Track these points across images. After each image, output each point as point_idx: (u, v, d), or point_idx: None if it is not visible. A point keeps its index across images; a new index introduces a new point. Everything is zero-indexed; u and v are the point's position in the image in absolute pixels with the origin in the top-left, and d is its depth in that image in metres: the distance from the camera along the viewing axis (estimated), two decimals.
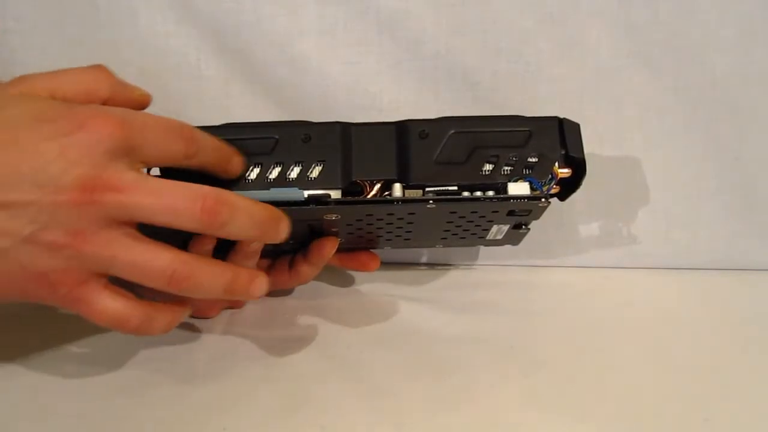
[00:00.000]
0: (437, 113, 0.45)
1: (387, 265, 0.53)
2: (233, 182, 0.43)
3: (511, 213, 0.45)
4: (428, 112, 0.46)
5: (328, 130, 0.44)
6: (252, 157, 0.43)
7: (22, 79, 0.40)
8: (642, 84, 0.53)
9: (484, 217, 0.45)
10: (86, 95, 0.41)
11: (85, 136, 0.36)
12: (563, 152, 0.44)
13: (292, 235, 0.41)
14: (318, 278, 0.51)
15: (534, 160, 0.44)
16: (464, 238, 0.49)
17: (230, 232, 0.38)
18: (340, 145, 0.44)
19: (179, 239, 0.40)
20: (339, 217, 0.44)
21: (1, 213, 0.36)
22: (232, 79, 0.54)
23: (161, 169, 0.42)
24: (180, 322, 0.41)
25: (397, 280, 0.54)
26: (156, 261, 0.37)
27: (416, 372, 0.44)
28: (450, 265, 0.56)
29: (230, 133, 0.43)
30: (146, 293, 0.39)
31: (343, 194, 0.43)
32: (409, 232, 0.47)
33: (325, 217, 0.43)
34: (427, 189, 0.43)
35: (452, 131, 0.44)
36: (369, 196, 0.43)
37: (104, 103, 0.41)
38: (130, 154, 0.38)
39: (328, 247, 0.47)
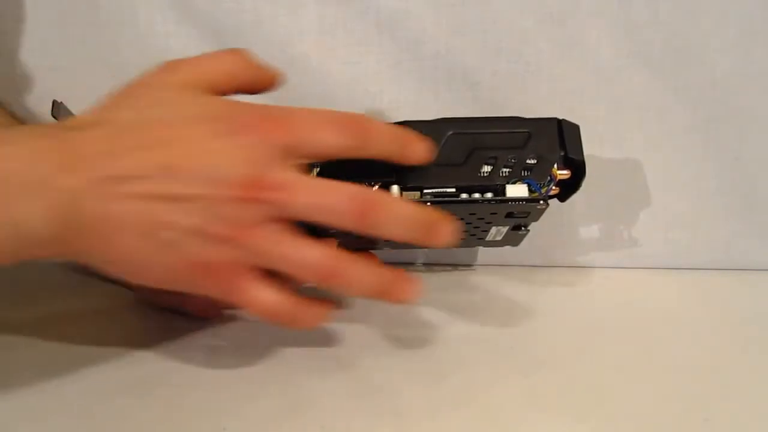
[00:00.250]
0: (437, 113, 0.45)
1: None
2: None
3: (509, 215, 0.45)
4: (428, 112, 0.46)
5: None
6: None
7: (173, 67, 0.42)
8: (642, 84, 0.53)
9: (482, 218, 0.45)
10: (230, 80, 0.42)
11: (250, 137, 0.38)
12: (562, 154, 0.44)
13: None
14: None
15: (533, 161, 0.44)
16: (463, 239, 0.49)
17: (385, 233, 0.39)
18: None
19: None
20: None
21: (171, 205, 0.37)
22: None
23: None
24: (327, 320, 0.41)
25: None
26: (311, 256, 0.38)
27: (416, 372, 0.44)
28: (449, 265, 0.56)
29: None
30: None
31: None
32: None
33: None
34: (425, 191, 0.43)
35: (450, 132, 0.44)
36: None
37: (245, 87, 0.42)
38: (291, 153, 0.39)
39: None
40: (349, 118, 0.40)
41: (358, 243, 0.49)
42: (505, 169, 0.44)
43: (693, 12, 0.51)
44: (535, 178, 0.44)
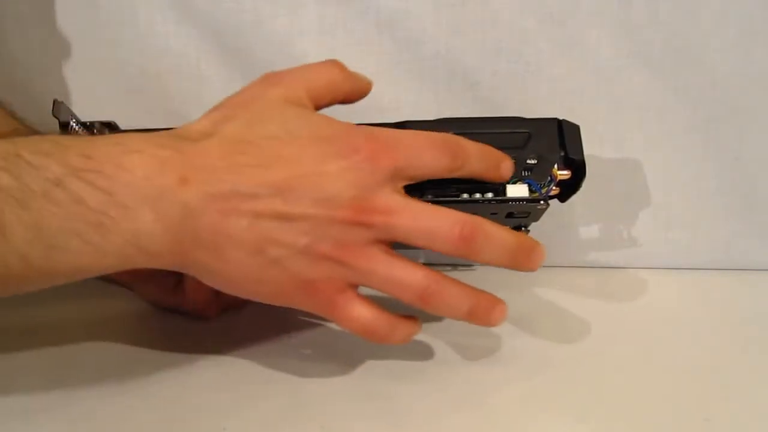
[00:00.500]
0: (437, 113, 0.45)
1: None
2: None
3: (510, 215, 0.45)
4: (428, 112, 0.46)
5: None
6: None
7: (276, 79, 0.42)
8: (642, 84, 0.53)
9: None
10: (332, 91, 0.43)
11: (360, 161, 0.39)
12: (562, 154, 0.44)
13: None
14: None
15: (533, 161, 0.44)
16: None
17: (482, 258, 0.40)
18: None
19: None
20: None
21: (282, 224, 0.38)
22: (232, 79, 0.54)
23: None
24: (415, 336, 0.43)
25: None
26: (411, 277, 0.40)
27: (416, 372, 0.45)
28: (449, 265, 0.56)
29: None
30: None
31: None
32: None
33: None
34: (426, 191, 0.43)
35: (451, 132, 0.44)
36: None
37: (343, 97, 0.44)
38: (397, 177, 0.40)
39: None
40: (448, 140, 0.41)
41: None
42: None
43: (693, 12, 0.51)
44: (536, 178, 0.44)
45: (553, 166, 0.44)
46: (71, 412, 0.41)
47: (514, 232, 0.41)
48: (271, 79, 0.43)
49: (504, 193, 0.43)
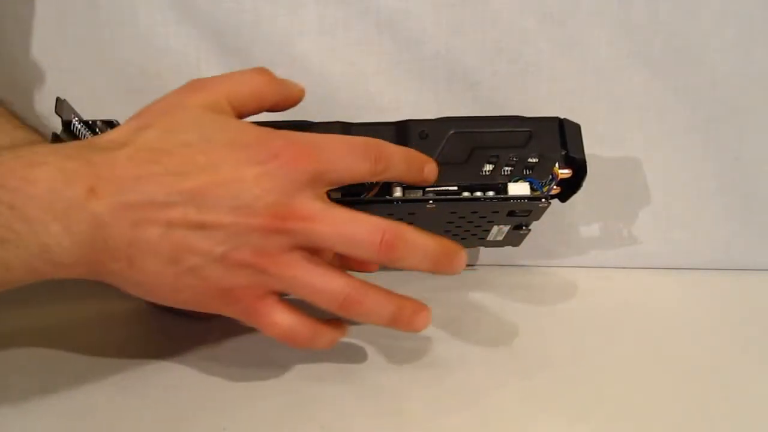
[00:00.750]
0: (437, 113, 0.45)
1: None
2: None
3: (511, 213, 0.45)
4: (428, 112, 0.46)
5: (329, 130, 0.44)
6: None
7: (198, 86, 0.42)
8: (642, 84, 0.53)
9: (484, 217, 0.45)
10: (257, 99, 0.42)
11: (279, 167, 0.38)
12: (564, 153, 0.44)
13: None
14: None
15: (534, 160, 0.44)
16: (465, 238, 0.49)
17: (403, 265, 0.40)
18: None
19: None
20: None
21: (197, 232, 0.38)
22: None
23: None
24: (339, 340, 0.42)
25: (397, 280, 0.53)
26: (331, 285, 0.39)
27: (416, 372, 0.45)
28: None
29: None
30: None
31: (343, 194, 0.43)
32: None
33: None
34: (427, 189, 0.43)
35: (452, 131, 0.44)
36: (369, 196, 0.43)
37: (270, 106, 0.43)
38: (317, 182, 0.39)
39: None
40: (370, 145, 0.41)
41: None
42: (506, 168, 0.44)
43: (693, 12, 0.51)
44: (537, 176, 0.44)
45: (555, 165, 0.44)
46: (71, 411, 0.41)
47: (436, 236, 0.40)
48: (193, 85, 0.42)
49: (506, 191, 0.43)
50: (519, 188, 0.43)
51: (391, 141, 0.44)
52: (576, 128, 0.44)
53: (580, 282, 0.54)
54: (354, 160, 0.40)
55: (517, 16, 0.52)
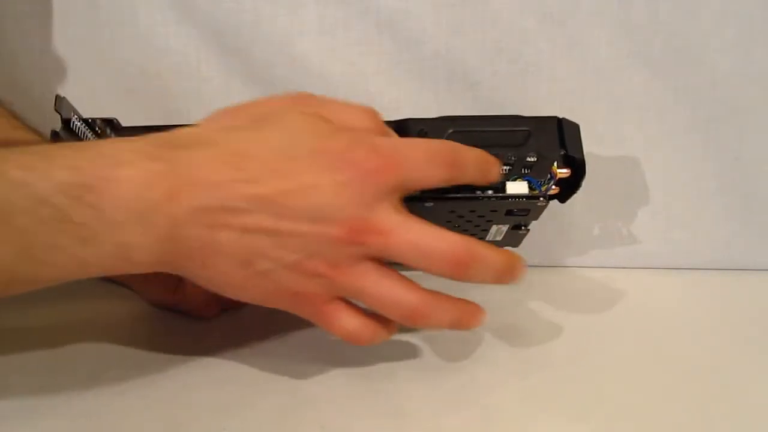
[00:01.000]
0: (437, 113, 0.45)
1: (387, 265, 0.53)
2: None
3: (509, 212, 0.45)
4: (428, 112, 0.46)
5: None
6: None
7: (305, 98, 0.43)
8: (642, 84, 0.53)
9: (482, 216, 0.45)
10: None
11: (359, 177, 0.38)
12: (562, 152, 0.44)
13: None
14: None
15: (533, 159, 0.44)
16: None
17: (470, 280, 0.40)
18: None
19: None
20: None
21: (271, 239, 0.38)
22: (232, 79, 0.54)
23: None
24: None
25: None
26: (401, 299, 0.39)
27: (416, 372, 0.44)
28: None
29: None
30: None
31: None
32: None
33: None
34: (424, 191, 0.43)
35: (451, 130, 0.44)
36: None
37: None
38: (396, 191, 0.39)
39: None
40: (447, 151, 0.41)
41: None
42: (505, 167, 0.44)
43: (693, 12, 0.52)
44: (536, 175, 0.44)
45: (553, 164, 0.44)
46: (71, 411, 0.41)
47: (501, 250, 0.41)
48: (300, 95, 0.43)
49: (504, 190, 0.43)
50: (517, 187, 0.43)
51: None
52: (575, 128, 0.44)
53: (579, 282, 0.54)
54: (430, 167, 0.40)
55: (517, 16, 0.52)
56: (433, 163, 0.40)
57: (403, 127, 0.44)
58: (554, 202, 0.45)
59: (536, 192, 0.43)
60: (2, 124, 0.52)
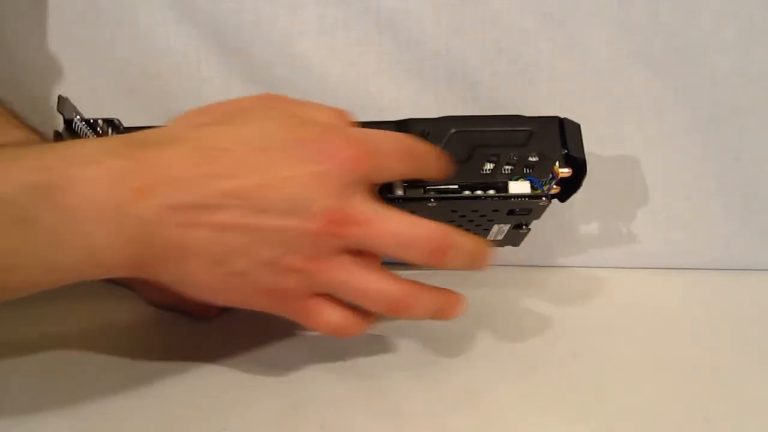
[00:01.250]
0: (437, 113, 0.45)
1: (387, 264, 0.53)
2: None
3: (511, 212, 0.45)
4: (428, 112, 0.46)
5: None
6: None
7: (272, 97, 0.42)
8: (642, 84, 0.53)
9: (484, 216, 0.45)
10: None
11: (335, 168, 0.37)
12: (564, 152, 0.44)
13: None
14: None
15: (535, 159, 0.44)
16: None
17: (446, 267, 0.40)
18: None
19: None
20: None
21: (246, 236, 0.37)
22: (232, 79, 0.54)
23: None
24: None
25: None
26: (383, 291, 0.39)
27: (416, 372, 0.44)
28: None
29: None
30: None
31: None
32: None
33: None
34: (428, 187, 0.43)
35: (453, 130, 0.44)
36: None
37: None
38: (369, 181, 0.39)
39: None
40: (412, 146, 0.41)
41: None
42: (507, 167, 0.44)
43: (693, 12, 0.52)
44: (537, 175, 0.44)
45: (555, 164, 0.44)
46: (71, 412, 0.41)
47: (473, 237, 0.40)
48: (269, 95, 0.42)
49: (506, 189, 0.44)
50: (519, 187, 0.44)
51: None
52: (576, 128, 0.44)
53: (579, 282, 0.54)
54: (399, 159, 0.40)
55: (517, 16, 0.52)
56: (400, 154, 0.40)
57: (405, 127, 0.44)
58: (554, 202, 0.45)
59: (538, 192, 0.44)
60: (2, 123, 0.52)
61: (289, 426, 0.40)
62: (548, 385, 0.43)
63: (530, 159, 0.44)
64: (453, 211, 0.45)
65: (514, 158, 0.44)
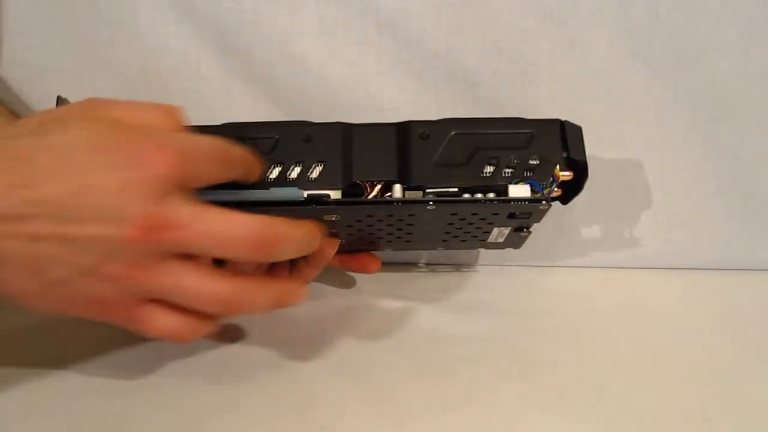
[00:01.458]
0: (437, 113, 0.45)
1: (387, 266, 0.53)
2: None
3: (511, 215, 0.45)
4: (428, 112, 0.46)
5: (329, 131, 0.44)
6: None
7: (93, 103, 0.41)
8: (642, 84, 0.53)
9: (484, 219, 0.45)
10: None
11: (146, 173, 0.37)
12: (565, 155, 0.44)
13: None
14: (318, 279, 0.51)
15: (535, 162, 0.44)
16: (465, 240, 0.49)
17: (278, 258, 0.40)
18: (341, 145, 0.44)
19: None
20: (339, 217, 0.44)
21: (60, 246, 0.36)
22: (232, 79, 0.54)
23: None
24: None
25: (397, 281, 0.54)
26: (210, 290, 0.39)
27: (416, 372, 0.45)
28: (451, 266, 0.56)
29: (231, 132, 0.43)
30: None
31: (343, 195, 0.43)
32: (410, 233, 0.47)
33: (325, 218, 0.43)
34: (428, 190, 0.43)
35: (453, 133, 0.44)
36: (369, 197, 0.43)
37: None
38: (185, 185, 0.38)
39: (329, 249, 0.47)
40: (226, 150, 0.40)
41: (359, 243, 0.49)
42: (507, 170, 0.44)
43: (693, 12, 0.51)
44: (538, 178, 0.44)
45: (556, 167, 0.44)
46: (71, 411, 0.41)
47: (299, 222, 0.40)
48: (87, 102, 0.41)
49: (506, 193, 0.43)
50: (519, 190, 0.43)
51: (392, 142, 0.44)
52: (577, 131, 0.44)
53: (580, 282, 0.55)
54: (214, 163, 0.39)
55: (517, 16, 0.52)
56: (215, 158, 0.40)
57: (405, 129, 0.44)
58: (555, 203, 0.45)
59: (539, 195, 0.43)
60: (2, 123, 0.52)
61: (289, 426, 0.40)
62: (548, 385, 0.43)
63: (531, 162, 0.44)
64: (452, 215, 0.45)
65: (515, 161, 0.44)
